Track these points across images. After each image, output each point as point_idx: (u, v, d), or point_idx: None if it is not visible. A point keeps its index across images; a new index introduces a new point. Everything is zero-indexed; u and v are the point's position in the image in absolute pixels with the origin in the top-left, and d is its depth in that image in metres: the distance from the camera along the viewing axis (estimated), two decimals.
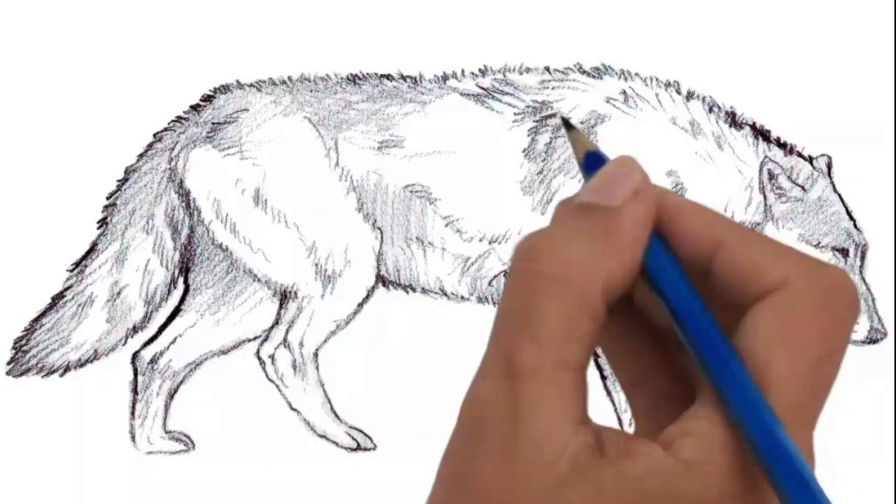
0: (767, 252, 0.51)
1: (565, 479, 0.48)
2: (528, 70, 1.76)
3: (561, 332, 0.50)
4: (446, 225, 1.73)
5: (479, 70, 1.76)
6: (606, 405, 1.75)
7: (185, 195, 1.74)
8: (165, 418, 1.75)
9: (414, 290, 1.75)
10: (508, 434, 0.49)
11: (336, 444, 1.73)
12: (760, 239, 0.52)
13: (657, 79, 1.75)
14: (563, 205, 0.54)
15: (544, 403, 0.49)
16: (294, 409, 1.74)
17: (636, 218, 0.52)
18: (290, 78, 1.77)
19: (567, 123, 0.58)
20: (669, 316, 0.52)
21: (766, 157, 1.72)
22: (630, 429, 1.70)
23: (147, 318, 1.76)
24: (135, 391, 1.75)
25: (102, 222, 1.76)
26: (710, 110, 1.74)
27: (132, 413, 1.75)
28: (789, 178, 1.71)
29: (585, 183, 0.54)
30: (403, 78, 1.76)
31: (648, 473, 0.48)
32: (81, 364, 1.75)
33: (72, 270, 1.75)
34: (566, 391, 0.49)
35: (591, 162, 0.55)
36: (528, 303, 0.50)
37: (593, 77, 1.75)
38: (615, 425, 1.74)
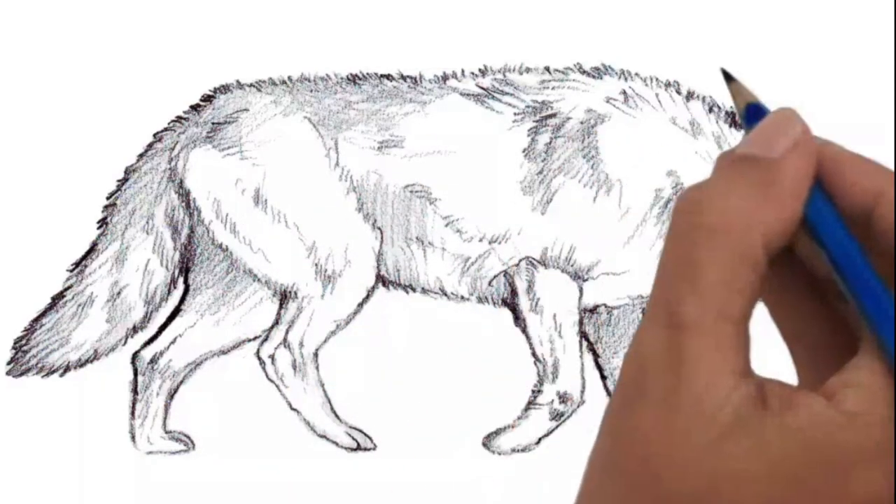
0: None
1: (727, 432, 0.48)
2: (528, 70, 1.76)
3: (722, 284, 0.50)
4: (446, 225, 1.73)
5: (479, 70, 1.76)
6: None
7: (185, 195, 1.74)
8: (165, 418, 1.75)
9: (414, 290, 1.75)
10: (670, 386, 0.49)
11: (336, 444, 1.73)
12: None
13: (657, 79, 1.75)
14: (723, 157, 0.54)
15: (706, 355, 0.49)
16: (294, 409, 1.74)
17: (797, 169, 0.52)
18: (290, 78, 1.77)
19: (727, 74, 0.58)
20: (830, 266, 0.52)
21: None
22: None
23: (147, 318, 1.76)
24: (135, 391, 1.75)
25: (102, 222, 1.76)
26: (710, 110, 1.74)
27: (132, 413, 1.75)
28: None
29: (746, 135, 0.54)
30: (403, 78, 1.76)
31: (811, 425, 0.48)
32: (81, 364, 1.75)
33: (72, 270, 1.75)
34: (728, 343, 0.49)
35: (752, 113, 0.55)
36: (689, 254, 0.50)
37: (593, 77, 1.75)
38: None
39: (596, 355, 1.76)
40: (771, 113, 0.55)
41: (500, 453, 1.73)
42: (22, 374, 1.75)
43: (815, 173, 0.53)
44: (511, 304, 1.74)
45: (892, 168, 0.55)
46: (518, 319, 1.73)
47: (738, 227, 0.50)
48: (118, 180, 1.76)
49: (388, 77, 1.76)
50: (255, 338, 1.76)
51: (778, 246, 0.52)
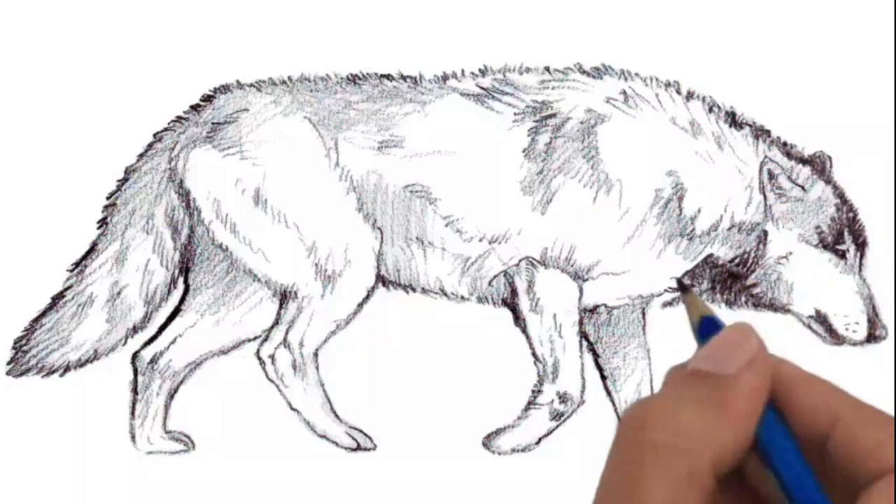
0: (886, 432, 0.49)
1: None
2: (528, 70, 1.76)
3: None
4: (446, 225, 1.73)
5: (479, 70, 1.76)
6: (606, 405, 1.75)
7: (185, 195, 1.74)
8: (165, 418, 1.75)
9: (414, 290, 1.75)
10: None
11: (336, 444, 1.73)
12: (879, 417, 0.50)
13: (657, 79, 1.75)
14: (674, 371, 0.51)
15: None
16: (294, 409, 1.74)
17: (751, 388, 0.50)
18: (290, 78, 1.77)
19: (682, 286, 0.57)
20: (782, 494, 0.50)
21: (766, 157, 1.72)
22: None
23: (147, 318, 1.76)
24: (135, 391, 1.75)
25: (102, 222, 1.76)
26: (710, 110, 1.74)
27: (132, 413, 1.75)
28: (789, 178, 1.71)
29: (699, 349, 0.52)
30: (403, 78, 1.76)
31: None
32: (81, 364, 1.75)
33: (72, 270, 1.75)
34: None
35: (706, 327, 0.53)
36: (634, 473, 0.48)
37: (593, 77, 1.74)
38: (615, 425, 1.74)
39: (596, 355, 1.76)
40: (726, 327, 0.52)
41: (500, 453, 1.73)
42: (22, 374, 1.75)
43: (769, 393, 0.51)
44: (511, 304, 1.74)
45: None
46: (518, 319, 1.73)
47: (686, 447, 0.48)
48: (118, 180, 1.76)
49: (388, 77, 1.76)
50: (255, 338, 1.76)
51: (728, 467, 0.49)
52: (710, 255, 1.71)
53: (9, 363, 1.75)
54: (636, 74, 1.75)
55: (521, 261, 1.72)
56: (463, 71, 1.76)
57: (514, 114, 1.73)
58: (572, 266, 1.72)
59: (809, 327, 1.72)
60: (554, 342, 1.72)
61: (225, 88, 1.77)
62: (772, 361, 0.51)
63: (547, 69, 1.76)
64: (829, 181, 1.73)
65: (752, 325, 0.52)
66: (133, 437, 1.74)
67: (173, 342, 1.76)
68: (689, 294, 0.55)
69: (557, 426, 1.73)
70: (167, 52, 1.75)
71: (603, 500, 0.49)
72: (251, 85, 1.77)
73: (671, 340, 1.76)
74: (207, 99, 1.77)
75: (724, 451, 0.49)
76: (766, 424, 0.50)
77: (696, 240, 1.71)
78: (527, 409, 1.73)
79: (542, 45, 1.76)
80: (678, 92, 1.74)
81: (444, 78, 1.76)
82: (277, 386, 1.74)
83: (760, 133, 1.74)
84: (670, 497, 0.47)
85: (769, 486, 0.51)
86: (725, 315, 1.73)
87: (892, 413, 0.50)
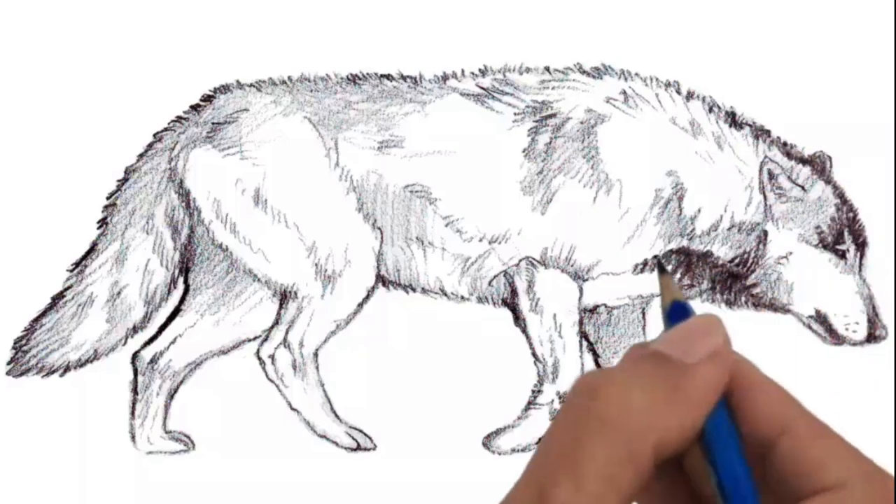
0: (831, 449, 0.49)
1: None
2: (528, 70, 1.76)
3: (602, 479, 0.47)
4: (446, 225, 1.73)
5: (479, 70, 1.76)
6: None
7: (185, 195, 1.74)
8: (165, 418, 1.75)
9: (414, 290, 1.75)
10: None
11: (336, 444, 1.73)
12: (826, 433, 0.50)
13: (657, 79, 1.75)
14: (635, 348, 0.52)
15: None
16: (294, 409, 1.74)
17: (707, 380, 0.50)
18: (290, 78, 1.77)
19: (661, 267, 0.57)
20: (717, 491, 0.50)
21: (766, 157, 1.72)
22: None
23: (147, 318, 1.76)
24: (135, 391, 1.75)
25: (102, 222, 1.76)
26: (710, 110, 1.74)
27: (132, 413, 1.75)
28: (789, 178, 1.71)
29: (664, 331, 0.52)
30: (403, 78, 1.76)
31: None
32: (81, 364, 1.75)
33: (72, 270, 1.75)
34: None
35: (676, 312, 0.53)
36: (575, 440, 0.48)
37: (593, 77, 1.75)
38: None
39: (596, 355, 1.76)
40: (695, 316, 0.52)
41: (500, 453, 1.73)
42: (22, 374, 1.75)
43: (725, 388, 0.51)
44: (511, 304, 1.74)
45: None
46: (518, 319, 1.73)
47: (631, 424, 0.48)
48: (118, 180, 1.76)
49: (388, 77, 1.76)
50: (255, 338, 1.76)
51: (669, 453, 0.49)
52: (710, 255, 1.71)
53: (9, 363, 1.75)
54: (636, 74, 1.75)
55: (521, 261, 1.72)
56: (463, 71, 1.76)
57: (514, 114, 1.73)
58: (572, 266, 1.72)
59: (809, 327, 1.72)
60: (554, 342, 1.72)
61: (225, 88, 1.77)
62: (733, 358, 0.51)
63: (547, 69, 1.76)
64: (829, 181, 1.73)
65: (722, 319, 0.52)
66: (133, 437, 1.74)
67: (173, 342, 1.76)
68: (665, 276, 0.55)
69: None
70: (167, 52, 1.75)
71: (541, 458, 0.49)
72: (251, 85, 1.77)
73: None
74: (207, 99, 1.77)
75: (669, 436, 0.49)
76: (714, 419, 0.50)
77: (696, 240, 1.71)
78: (527, 409, 1.73)
79: (542, 45, 1.76)
80: (678, 92, 1.74)
81: (444, 78, 1.76)
82: (277, 386, 1.74)
83: (760, 133, 1.74)
84: (606, 471, 0.48)
85: (706, 480, 0.51)
86: (725, 315, 1.73)
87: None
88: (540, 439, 0.51)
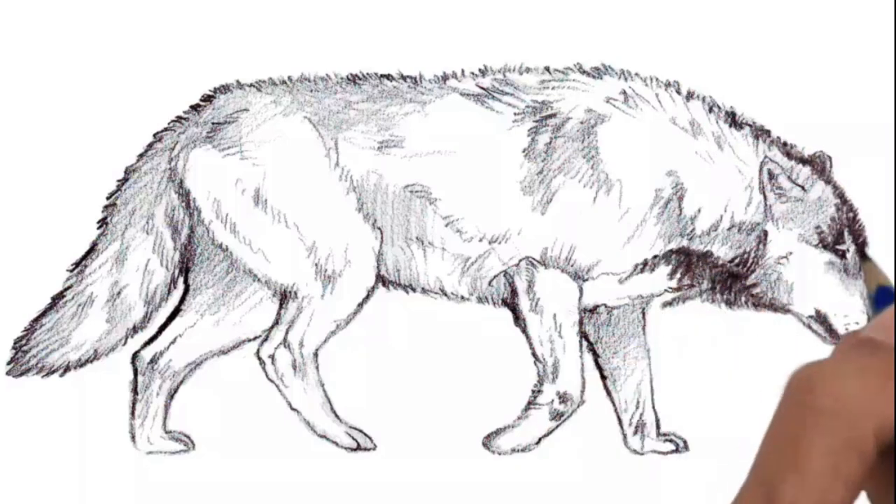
0: None
1: None
2: (528, 70, 1.76)
3: (826, 470, 0.48)
4: (446, 225, 1.73)
5: (479, 70, 1.76)
6: (606, 405, 1.75)
7: (185, 195, 1.74)
8: (165, 418, 1.75)
9: (414, 290, 1.75)
10: None
11: (336, 444, 1.73)
12: None
13: (657, 79, 1.75)
14: (848, 337, 0.52)
15: None
16: (294, 409, 1.74)
17: None
18: (290, 78, 1.77)
19: (863, 254, 0.56)
20: None
21: (766, 157, 1.72)
22: (629, 428, 1.70)
23: (147, 318, 1.76)
24: (135, 391, 1.75)
25: (102, 222, 1.76)
26: (710, 110, 1.74)
27: (132, 413, 1.75)
28: (789, 178, 1.71)
29: (873, 317, 0.52)
30: (403, 78, 1.76)
31: None
32: (81, 364, 1.75)
33: (72, 270, 1.75)
34: None
35: (882, 296, 0.53)
36: (797, 435, 0.49)
37: (593, 77, 1.74)
38: (615, 425, 1.74)
39: (596, 355, 1.76)
40: None
41: (500, 453, 1.73)
42: (22, 374, 1.75)
43: None
44: (511, 304, 1.74)
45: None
46: (518, 319, 1.73)
47: (849, 412, 0.49)
48: (118, 180, 1.76)
49: (388, 77, 1.76)
50: (255, 338, 1.76)
51: (890, 439, 0.50)
52: (710, 255, 1.71)
53: (9, 363, 1.75)
54: (636, 74, 1.75)
55: (521, 261, 1.72)
56: (463, 71, 1.76)
57: (514, 114, 1.73)
58: (572, 266, 1.72)
59: (809, 327, 1.72)
60: (554, 342, 1.72)
61: (225, 88, 1.77)
62: None
63: (547, 69, 1.76)
64: (829, 181, 1.73)
65: None
66: (133, 437, 1.74)
67: (173, 342, 1.75)
68: (868, 262, 0.55)
69: (557, 426, 1.73)
70: (167, 52, 1.75)
71: (765, 457, 0.50)
72: (251, 85, 1.76)
73: (671, 340, 1.76)
74: (207, 99, 1.76)
75: (888, 422, 0.49)
76: None
77: (696, 240, 1.71)
78: (527, 409, 1.73)
79: (542, 45, 1.76)
80: (678, 92, 1.74)
81: (444, 78, 1.76)
82: (277, 386, 1.74)
83: (760, 133, 1.74)
84: (829, 461, 0.48)
85: None
86: (725, 315, 1.73)
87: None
88: (764, 438, 0.51)
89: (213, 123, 1.75)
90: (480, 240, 1.73)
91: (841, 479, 0.48)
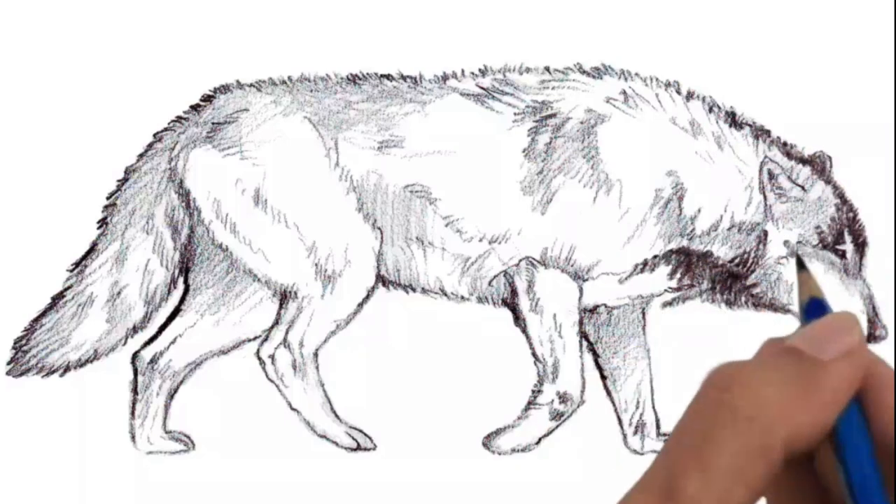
0: None
1: None
2: (528, 70, 1.76)
3: (732, 471, 0.47)
4: (446, 225, 1.73)
5: (479, 70, 1.76)
6: (606, 405, 1.75)
7: (185, 195, 1.74)
8: (165, 418, 1.75)
9: (414, 290, 1.75)
10: None
11: (336, 444, 1.73)
12: None
13: (657, 79, 1.75)
14: (770, 343, 0.52)
15: None
16: (294, 409, 1.74)
17: (841, 378, 0.50)
18: (290, 78, 1.77)
19: (800, 263, 0.56)
20: (845, 489, 0.49)
21: (766, 157, 1.72)
22: (629, 428, 1.71)
23: (147, 318, 1.76)
24: (135, 391, 1.75)
25: (102, 222, 1.76)
26: (710, 110, 1.74)
27: (132, 413, 1.75)
28: (789, 178, 1.71)
29: (801, 327, 0.52)
30: (403, 78, 1.76)
31: None
32: (81, 364, 1.75)
33: (72, 270, 1.75)
34: None
35: (813, 308, 0.53)
36: (707, 431, 0.48)
37: (593, 77, 1.75)
38: (615, 425, 1.74)
39: (596, 355, 1.76)
40: (832, 313, 0.53)
41: (500, 453, 1.73)
42: (22, 374, 1.75)
43: (858, 387, 0.50)
44: (511, 304, 1.74)
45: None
46: (518, 319, 1.73)
47: (764, 419, 0.48)
48: (118, 180, 1.76)
49: (388, 77, 1.76)
50: (255, 338, 1.76)
51: (799, 450, 0.49)
52: (710, 255, 1.71)
53: (9, 363, 1.75)
54: (636, 74, 1.75)
55: (521, 261, 1.72)
56: (463, 71, 1.76)
57: (514, 114, 1.73)
58: (572, 266, 1.72)
59: None
60: (554, 342, 1.72)
61: (225, 88, 1.77)
62: (868, 358, 0.51)
63: (547, 69, 1.76)
64: (829, 181, 1.73)
65: (858, 317, 0.52)
66: (133, 437, 1.74)
67: (173, 342, 1.76)
68: (804, 272, 0.55)
69: (557, 426, 1.73)
70: (167, 52, 1.75)
71: (672, 451, 0.49)
72: (251, 85, 1.77)
73: (671, 340, 1.76)
74: (207, 99, 1.77)
75: (800, 432, 0.49)
76: (846, 418, 0.50)
77: (696, 240, 1.71)
78: (527, 409, 1.73)
79: (542, 45, 1.76)
80: (678, 92, 1.74)
81: (444, 78, 1.76)
82: (277, 386, 1.74)
83: (760, 133, 1.74)
84: (736, 463, 0.48)
85: (836, 478, 0.51)
86: (725, 315, 1.74)
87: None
88: (672, 430, 0.50)
89: (213, 123, 1.75)
90: (480, 240, 1.73)
91: (745, 482, 0.47)
